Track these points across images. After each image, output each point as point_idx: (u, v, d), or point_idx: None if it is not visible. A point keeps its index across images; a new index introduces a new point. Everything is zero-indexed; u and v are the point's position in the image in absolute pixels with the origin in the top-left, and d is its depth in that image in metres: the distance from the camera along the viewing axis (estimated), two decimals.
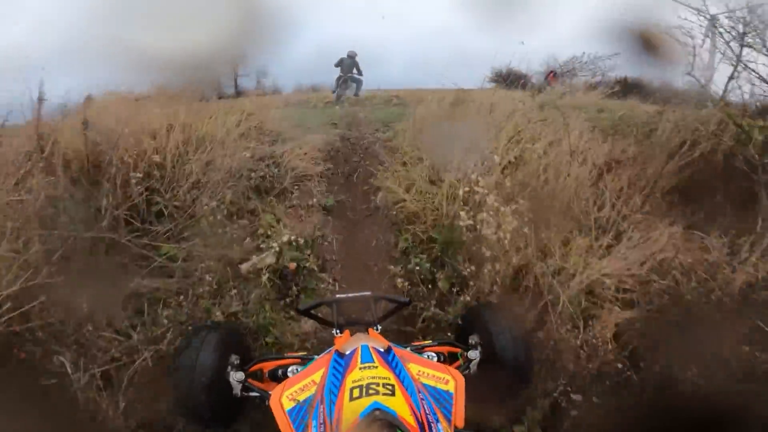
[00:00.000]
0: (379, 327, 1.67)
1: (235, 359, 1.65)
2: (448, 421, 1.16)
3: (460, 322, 2.17)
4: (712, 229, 2.55)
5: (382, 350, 1.28)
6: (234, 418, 1.70)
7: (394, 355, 1.29)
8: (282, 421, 1.17)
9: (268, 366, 1.72)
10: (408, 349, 1.58)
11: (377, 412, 0.96)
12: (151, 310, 2.11)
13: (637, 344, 2.12)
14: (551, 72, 13.37)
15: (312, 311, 1.73)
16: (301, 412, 1.18)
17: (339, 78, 9.96)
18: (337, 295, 1.75)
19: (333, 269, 2.60)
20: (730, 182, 2.89)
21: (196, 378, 1.48)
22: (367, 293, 1.75)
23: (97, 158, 2.48)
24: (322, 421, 1.04)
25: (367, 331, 1.63)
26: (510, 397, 1.78)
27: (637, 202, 2.71)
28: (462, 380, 1.29)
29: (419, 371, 1.29)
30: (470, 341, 1.81)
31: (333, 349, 1.37)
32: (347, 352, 1.27)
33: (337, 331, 1.63)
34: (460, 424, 1.19)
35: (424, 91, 17.73)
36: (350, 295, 1.73)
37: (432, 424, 1.01)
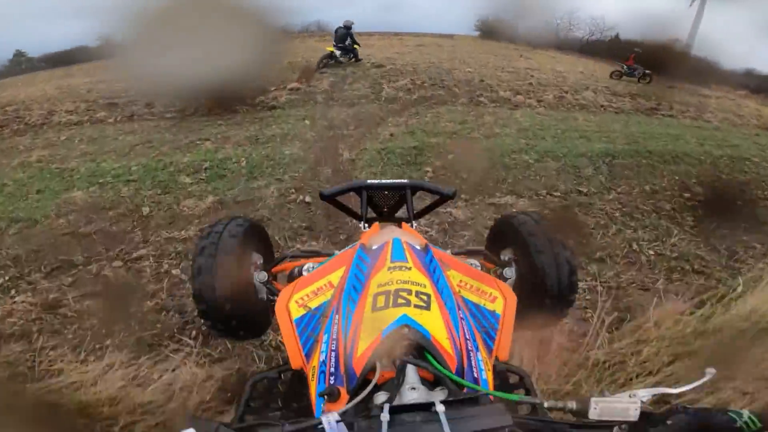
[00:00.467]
0: (415, 224, 1.42)
1: (257, 258, 1.46)
2: (489, 350, 0.88)
3: (489, 234, 1.70)
4: None
5: (418, 248, 1.02)
6: (263, 325, 1.45)
7: (432, 256, 1.02)
8: (287, 331, 0.91)
9: (291, 266, 1.42)
10: (449, 251, 1.28)
11: (405, 330, 0.72)
12: None
13: None
14: (632, 55, 13.02)
15: (338, 198, 1.45)
16: (312, 322, 0.91)
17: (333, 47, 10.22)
18: (368, 181, 1.42)
19: None
20: None
21: (217, 281, 1.25)
22: (404, 181, 1.45)
23: None
24: (335, 337, 0.79)
25: (400, 225, 1.35)
26: (550, 321, 1.44)
27: None
28: (514, 300, 1.01)
29: (461, 281, 1.02)
30: (502, 257, 1.49)
31: (358, 243, 1.09)
32: (374, 247, 1.01)
33: (365, 224, 1.38)
34: (504, 356, 0.91)
35: (403, 40, 14.79)
36: (384, 181, 1.43)
37: (471, 353, 0.77)
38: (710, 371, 0.66)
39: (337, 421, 0.53)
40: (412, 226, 1.41)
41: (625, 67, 12.82)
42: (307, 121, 5.74)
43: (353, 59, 10.81)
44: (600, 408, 0.59)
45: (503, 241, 1.53)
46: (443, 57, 13.71)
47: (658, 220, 4.24)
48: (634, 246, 3.49)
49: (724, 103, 13.97)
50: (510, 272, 1.42)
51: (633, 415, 0.58)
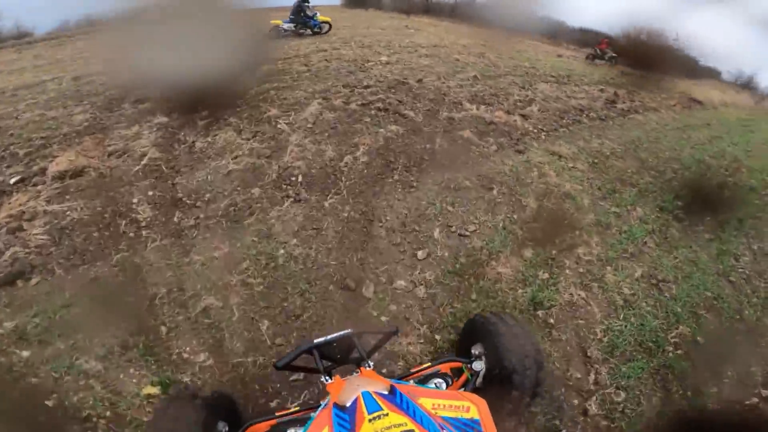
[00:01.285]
0: (371, 363, 1.47)
1: (223, 427, 1.51)
2: None
3: (459, 336, 1.96)
4: None
5: (386, 393, 1.15)
6: None
7: (400, 394, 1.15)
8: None
9: (261, 428, 1.52)
10: (411, 382, 1.51)
11: None
12: None
13: None
14: (604, 39, 13.91)
15: (292, 364, 1.47)
16: None
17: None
18: (315, 340, 1.47)
19: None
20: None
21: None
22: (348, 331, 1.51)
23: None
24: None
25: (358, 370, 1.46)
26: (520, 407, 1.57)
27: None
28: (484, 404, 1.19)
29: (434, 404, 1.17)
30: (473, 352, 1.70)
31: (330, 401, 1.18)
32: (348, 404, 1.11)
33: (327, 377, 1.42)
34: None
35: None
36: (329, 337, 1.48)
37: None
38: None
39: None
40: (368, 366, 1.45)
41: (597, 50, 13.86)
42: None
43: (314, 32, 10.37)
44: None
45: (473, 339, 1.72)
46: (331, 39, 9.69)
47: None
48: None
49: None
50: (480, 365, 1.59)
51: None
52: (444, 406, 1.14)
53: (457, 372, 1.67)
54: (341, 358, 1.52)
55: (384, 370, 2.04)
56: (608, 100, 8.59)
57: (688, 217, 3.95)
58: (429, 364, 1.71)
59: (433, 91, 5.99)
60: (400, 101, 5.24)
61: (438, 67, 7.87)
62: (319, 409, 1.20)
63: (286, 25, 9.98)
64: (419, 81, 6.44)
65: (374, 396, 1.07)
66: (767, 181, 5.54)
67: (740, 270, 3.45)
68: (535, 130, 5.19)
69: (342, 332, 1.49)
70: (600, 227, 3.44)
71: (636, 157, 5.11)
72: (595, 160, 4.61)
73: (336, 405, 1.11)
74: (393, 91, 5.66)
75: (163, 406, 1.47)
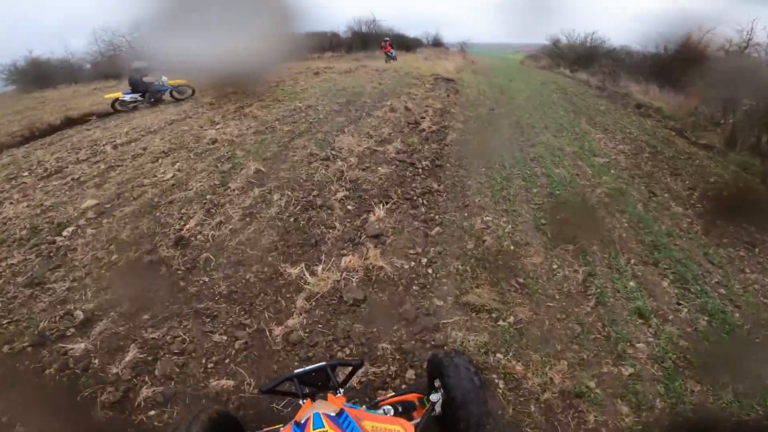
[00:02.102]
0: (341, 390, 1.73)
1: None
2: None
3: (426, 370, 2.16)
4: None
5: (333, 414, 1.37)
6: None
7: (346, 416, 1.38)
8: None
9: None
10: (364, 407, 1.71)
11: None
12: None
13: None
14: (387, 41, 15.11)
15: (276, 388, 1.74)
16: None
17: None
18: (295, 371, 1.76)
19: None
20: None
21: None
22: (322, 364, 1.80)
23: None
24: None
25: (326, 397, 1.70)
26: None
27: None
28: (411, 428, 1.44)
29: (373, 427, 1.41)
30: (435, 384, 1.90)
31: (294, 418, 1.44)
32: (302, 422, 1.35)
33: (302, 401, 1.67)
34: None
35: None
36: (307, 368, 1.77)
37: None
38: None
39: None
40: (338, 393, 1.71)
41: (386, 53, 14.64)
42: None
43: (174, 98, 9.41)
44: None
45: (435, 374, 1.92)
46: None
47: None
48: None
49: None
50: (436, 396, 1.79)
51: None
52: (379, 428, 1.41)
53: (422, 401, 1.89)
54: (322, 385, 1.77)
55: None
56: (411, 124, 7.48)
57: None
58: (393, 394, 2.05)
59: (227, 267, 3.28)
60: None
61: (195, 176, 4.93)
62: (286, 424, 1.45)
63: (128, 97, 8.97)
64: (180, 243, 3.58)
65: (322, 416, 1.32)
66: (564, 177, 5.12)
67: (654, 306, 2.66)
68: (415, 271, 3.26)
69: (317, 365, 1.77)
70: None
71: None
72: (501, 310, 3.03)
73: (295, 422, 1.37)
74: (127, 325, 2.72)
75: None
